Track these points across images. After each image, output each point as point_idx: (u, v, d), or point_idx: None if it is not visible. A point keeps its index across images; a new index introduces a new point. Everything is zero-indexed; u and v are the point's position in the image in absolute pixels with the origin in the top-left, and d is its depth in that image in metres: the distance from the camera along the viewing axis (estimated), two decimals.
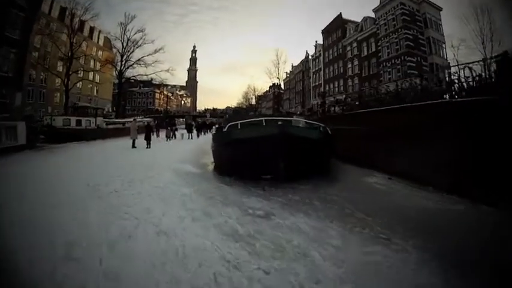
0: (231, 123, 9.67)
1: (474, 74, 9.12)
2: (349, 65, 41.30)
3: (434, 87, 12.55)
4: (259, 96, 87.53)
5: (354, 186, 8.32)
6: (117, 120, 35.81)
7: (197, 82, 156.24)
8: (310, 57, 55.55)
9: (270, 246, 4.24)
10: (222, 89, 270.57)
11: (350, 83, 40.70)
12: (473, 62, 9.50)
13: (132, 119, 29.42)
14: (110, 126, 30.25)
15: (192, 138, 26.78)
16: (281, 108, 69.68)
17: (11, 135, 16.53)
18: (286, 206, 6.11)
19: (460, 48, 29.06)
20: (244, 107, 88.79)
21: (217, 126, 14.36)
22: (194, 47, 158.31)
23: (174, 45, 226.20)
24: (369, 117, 12.60)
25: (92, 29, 44.56)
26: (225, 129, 9.87)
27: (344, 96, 22.54)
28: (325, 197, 6.80)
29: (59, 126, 23.04)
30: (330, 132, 10.03)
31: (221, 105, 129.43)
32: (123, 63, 42.49)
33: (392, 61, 32.91)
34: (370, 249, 4.18)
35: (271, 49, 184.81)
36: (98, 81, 47.83)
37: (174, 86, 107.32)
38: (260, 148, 7.77)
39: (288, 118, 11.57)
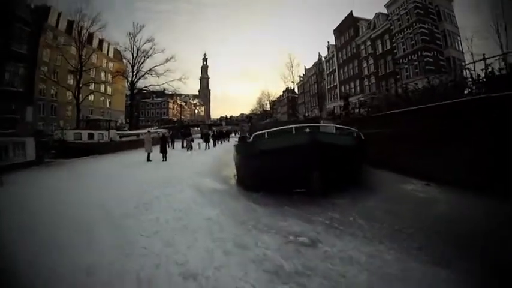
0: (256, 133, 8.85)
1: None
2: (364, 65, 40.35)
3: (465, 83, 11.88)
4: (273, 101, 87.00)
5: (393, 196, 7.60)
6: (131, 132, 35.33)
7: (210, 90, 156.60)
8: (323, 58, 54.76)
9: (325, 284, 3.51)
10: (234, 96, 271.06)
11: (366, 83, 39.70)
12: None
13: (146, 131, 29.31)
14: (124, 139, 29.59)
15: (209, 148, 25.99)
16: (296, 113, 68.94)
17: (19, 152, 16.28)
18: (330, 228, 5.35)
19: (473, 40, 28.55)
20: (259, 113, 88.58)
21: (239, 135, 13.23)
22: (205, 55, 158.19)
23: (183, 55, 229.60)
24: (399, 118, 11.96)
25: (100, 41, 44.76)
26: (250, 140, 9.15)
27: (369, 97, 21.61)
28: (366, 212, 6.07)
29: (70, 140, 22.52)
30: (362, 137, 9.29)
31: (234, 113, 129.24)
32: (134, 73, 42.48)
33: (409, 57, 31.87)
34: (434, 276, 3.59)
35: (281, 53, 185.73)
36: (109, 93, 48.05)
37: (187, 95, 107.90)
38: (291, 159, 7.08)
39: (317, 124, 10.56)
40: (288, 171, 7.30)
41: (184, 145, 26.34)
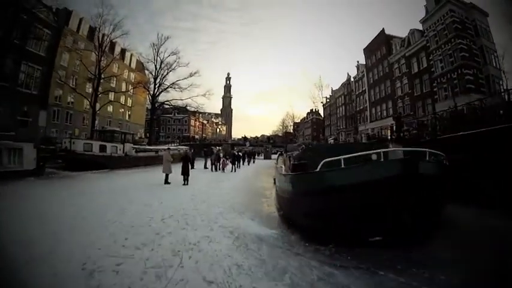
0: (326, 160, 5.90)
1: None
2: (398, 84, 37.43)
3: None
4: (296, 123, 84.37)
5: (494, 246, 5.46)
6: (148, 147, 32.92)
7: (232, 109, 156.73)
8: (352, 78, 52.28)
9: None
10: (254, 117, 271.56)
11: (400, 104, 36.68)
12: None
13: (165, 147, 27.15)
14: (141, 154, 27.32)
15: (235, 170, 22.81)
16: (321, 136, 66.34)
17: (15, 158, 14.52)
18: None
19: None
20: (280, 134, 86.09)
21: (293, 162, 9.11)
22: (228, 74, 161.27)
23: (206, 73, 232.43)
24: (475, 140, 9.19)
25: (123, 50, 43.81)
26: (317, 169, 6.01)
27: (429, 117, 18.55)
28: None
29: (79, 151, 20.31)
30: (447, 163, 6.57)
31: (254, 133, 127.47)
32: (156, 86, 40.56)
33: (448, 75, 28.83)
34: None
35: (303, 75, 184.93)
36: (129, 104, 47.00)
37: (209, 113, 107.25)
38: (377, 196, 4.98)
39: (388, 149, 7.46)
40: (370, 212, 5.13)
41: (207, 165, 23.97)
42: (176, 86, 40.97)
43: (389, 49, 40.06)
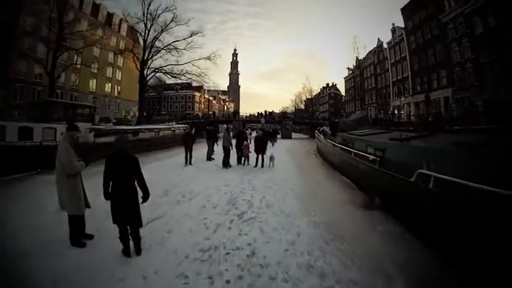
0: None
1: None
2: (456, 48, 29.29)
3: None
4: (309, 99, 75.54)
5: None
6: (124, 127, 22.41)
7: (240, 86, 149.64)
8: (385, 45, 43.88)
9: None
10: (262, 95, 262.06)
11: (459, 73, 28.68)
12: None
13: (150, 127, 20.27)
14: (105, 140, 16.56)
15: (270, 165, 13.08)
16: (342, 112, 58.72)
17: None
18: None
19: None
20: (289, 111, 77.44)
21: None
22: (235, 50, 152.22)
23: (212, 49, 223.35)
24: None
25: (110, 15, 36.29)
26: None
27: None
28: None
29: None
30: None
31: (263, 110, 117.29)
32: (147, 49, 31.40)
33: None
34: None
35: (310, 54, 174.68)
36: (119, 78, 39.28)
37: (216, 90, 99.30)
38: None
39: None
40: None
41: (213, 154, 15.25)
42: (172, 48, 32.26)
43: (438, 6, 31.67)
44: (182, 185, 9.01)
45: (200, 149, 16.14)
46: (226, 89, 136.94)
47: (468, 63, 27.60)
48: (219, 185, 9.16)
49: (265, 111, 50.99)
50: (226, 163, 12.85)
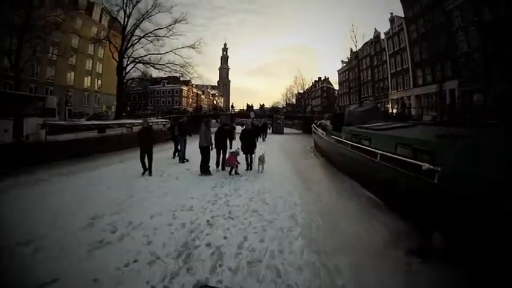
0: None
1: None
2: (462, 37, 27.17)
3: None
4: (300, 93, 73.06)
5: None
6: (87, 123, 19.98)
7: (230, 81, 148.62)
8: (382, 35, 41.73)
9: None
10: (253, 90, 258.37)
11: (468, 63, 26.56)
12: None
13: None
14: (60, 138, 13.89)
15: (260, 169, 10.42)
16: (336, 106, 56.83)
17: None
18: None
19: None
20: (280, 106, 74.89)
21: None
22: (225, 45, 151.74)
23: (202, 47, 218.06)
24: None
25: (90, 4, 33.64)
26: None
27: None
28: None
29: None
30: None
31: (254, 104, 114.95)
32: (127, 38, 28.52)
33: None
34: None
35: (300, 48, 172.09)
36: (99, 71, 36.23)
37: (204, 85, 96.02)
38: None
39: None
40: None
41: (186, 157, 12.39)
42: (153, 36, 29.42)
43: None
44: (123, 208, 6.06)
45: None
46: (216, 84, 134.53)
47: (476, 53, 25.56)
48: (178, 207, 6.19)
49: (258, 104, 48.68)
50: (204, 169, 9.85)
